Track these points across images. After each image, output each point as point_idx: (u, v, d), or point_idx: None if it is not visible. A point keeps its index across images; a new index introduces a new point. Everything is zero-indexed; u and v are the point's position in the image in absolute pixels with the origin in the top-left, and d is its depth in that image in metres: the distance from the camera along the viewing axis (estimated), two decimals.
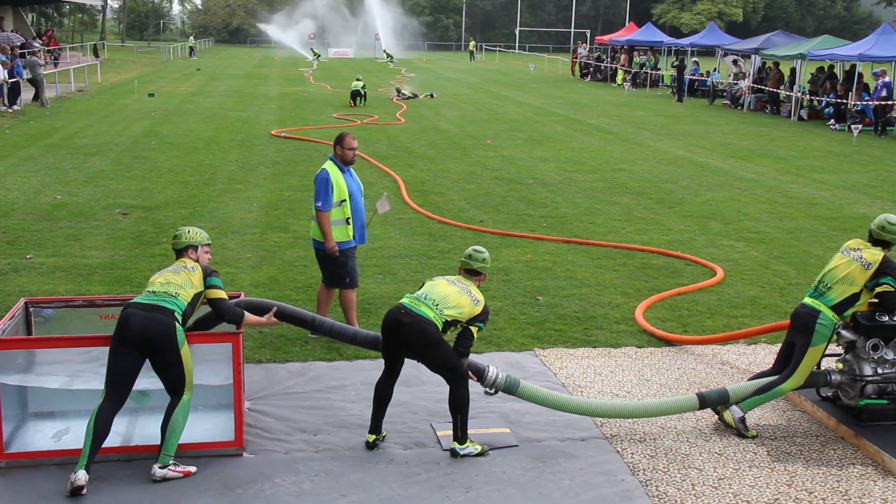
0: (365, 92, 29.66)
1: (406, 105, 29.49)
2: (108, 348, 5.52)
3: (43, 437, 5.88)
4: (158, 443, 5.53)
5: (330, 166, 7.68)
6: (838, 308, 6.25)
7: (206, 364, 6.06)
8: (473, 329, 5.90)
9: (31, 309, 6.33)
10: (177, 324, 5.47)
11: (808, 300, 6.42)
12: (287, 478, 5.57)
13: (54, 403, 6.15)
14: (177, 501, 5.27)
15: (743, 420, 6.30)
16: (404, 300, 5.94)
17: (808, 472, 5.81)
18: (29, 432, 5.93)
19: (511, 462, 5.81)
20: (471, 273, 6.10)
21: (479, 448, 5.94)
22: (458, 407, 5.86)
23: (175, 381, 5.53)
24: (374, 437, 5.98)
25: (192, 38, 71.04)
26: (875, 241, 6.40)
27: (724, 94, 34.18)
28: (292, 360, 7.36)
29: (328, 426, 6.27)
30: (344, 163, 7.74)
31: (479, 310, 5.89)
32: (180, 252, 5.95)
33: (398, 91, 32.93)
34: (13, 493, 5.31)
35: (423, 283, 6.12)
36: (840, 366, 6.56)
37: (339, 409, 6.53)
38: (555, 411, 6.54)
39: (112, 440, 5.76)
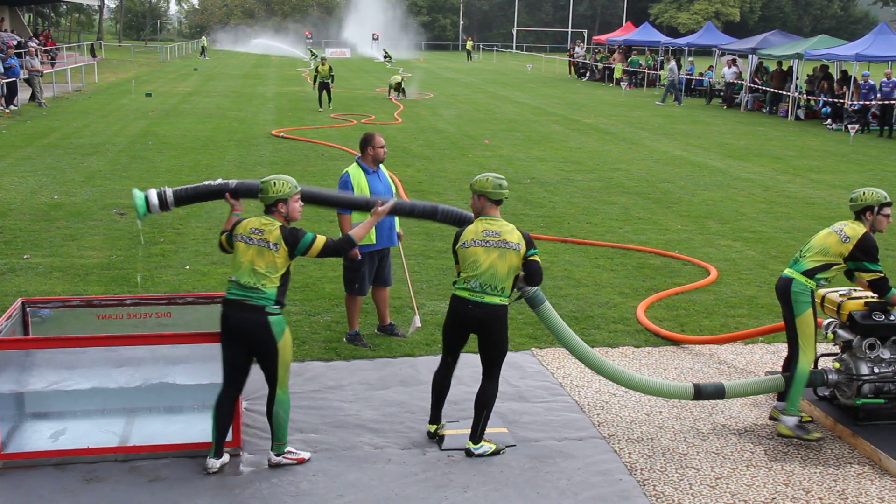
0: (402, 87, 31.77)
1: (403, 105, 29.49)
2: (104, 349, 5.63)
3: (40, 437, 5.87)
4: (155, 443, 5.68)
5: (353, 169, 7.60)
6: (809, 273, 6.26)
7: (204, 364, 6.06)
8: (533, 258, 5.80)
9: (28, 309, 6.32)
10: (269, 317, 5.47)
11: (785, 271, 6.48)
12: (285, 477, 5.56)
13: (51, 404, 6.13)
14: (175, 501, 5.26)
15: (800, 425, 6.23)
16: (462, 293, 5.79)
17: (805, 472, 5.81)
18: (26, 433, 5.92)
19: (508, 462, 5.81)
20: (498, 204, 5.92)
21: (493, 447, 5.94)
22: (486, 403, 5.87)
23: (273, 373, 5.59)
24: (434, 427, 6.10)
25: (204, 37, 70.88)
26: (857, 216, 6.42)
27: (721, 93, 34.20)
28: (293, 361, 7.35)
29: (325, 426, 6.26)
30: (375, 163, 7.62)
31: (524, 245, 5.77)
32: (269, 207, 5.65)
33: (394, 88, 32.53)
34: (10, 494, 5.30)
35: (475, 263, 5.74)
36: (837, 365, 6.56)
37: (337, 409, 6.52)
38: (553, 412, 6.56)
39: (109, 440, 5.79)
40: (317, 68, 28.15)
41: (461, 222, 6.30)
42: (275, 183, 5.61)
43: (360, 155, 7.71)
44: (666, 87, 35.06)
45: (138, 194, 5.83)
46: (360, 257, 7.36)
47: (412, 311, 8.05)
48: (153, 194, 5.83)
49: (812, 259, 6.33)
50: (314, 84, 28.22)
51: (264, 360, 5.56)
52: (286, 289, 5.65)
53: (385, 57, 57.91)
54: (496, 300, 5.72)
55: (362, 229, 5.86)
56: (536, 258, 5.80)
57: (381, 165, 7.77)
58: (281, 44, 74.06)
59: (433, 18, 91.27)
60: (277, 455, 5.70)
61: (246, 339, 5.49)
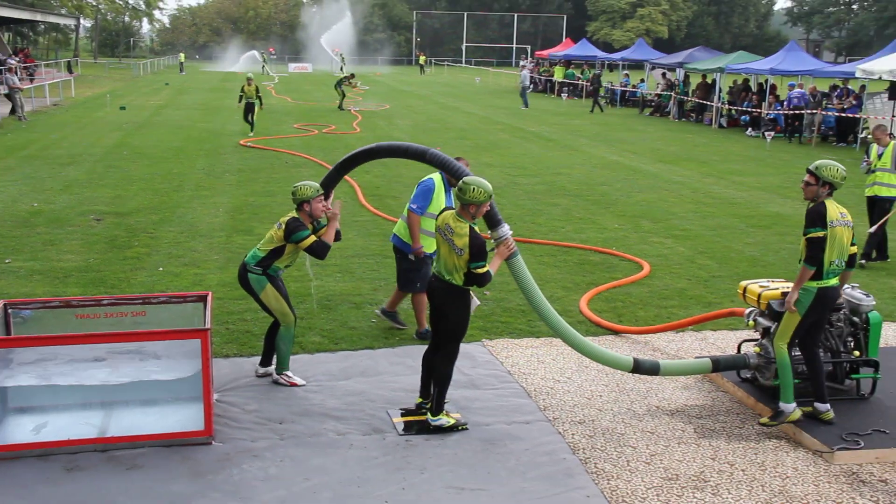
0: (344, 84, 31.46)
1: (361, 116, 29.36)
2: (83, 346, 5.71)
3: (23, 430, 5.76)
4: (132, 434, 5.67)
5: (438, 178, 7.42)
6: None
7: (176, 359, 6.01)
8: (474, 271, 5.68)
9: (9, 310, 6.20)
10: (250, 274, 6.36)
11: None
12: (254, 464, 5.51)
13: (33, 399, 6.03)
14: (150, 488, 5.19)
15: (780, 415, 6.09)
16: (434, 270, 5.98)
17: (729, 447, 5.91)
18: (9, 427, 5.81)
19: (462, 445, 5.82)
20: (464, 206, 5.70)
21: (451, 420, 5.94)
22: (442, 380, 5.89)
23: (269, 313, 6.50)
24: (421, 399, 6.19)
25: (182, 54, 69.66)
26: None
27: (653, 103, 34.65)
28: (257, 354, 7.27)
29: (292, 415, 6.21)
30: (452, 183, 7.22)
31: (467, 254, 5.65)
32: (298, 207, 6.37)
33: (345, 82, 32.52)
34: None
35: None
36: (758, 350, 6.67)
37: (302, 399, 6.48)
38: (503, 398, 6.58)
39: (88, 432, 5.72)
40: (242, 87, 23.59)
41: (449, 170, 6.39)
42: (301, 188, 6.36)
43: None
44: (520, 93, 36.04)
45: None
46: (424, 254, 7.44)
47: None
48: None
49: None
50: (238, 102, 23.94)
51: (257, 304, 6.52)
52: (275, 258, 6.37)
53: (342, 69, 57.19)
54: (456, 280, 5.76)
55: (330, 234, 6.43)
56: (478, 271, 5.66)
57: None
58: (249, 59, 73.21)
59: (388, 35, 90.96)
60: (278, 374, 6.64)
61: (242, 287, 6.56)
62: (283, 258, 6.41)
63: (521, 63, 53.57)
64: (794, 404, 6.06)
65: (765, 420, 6.15)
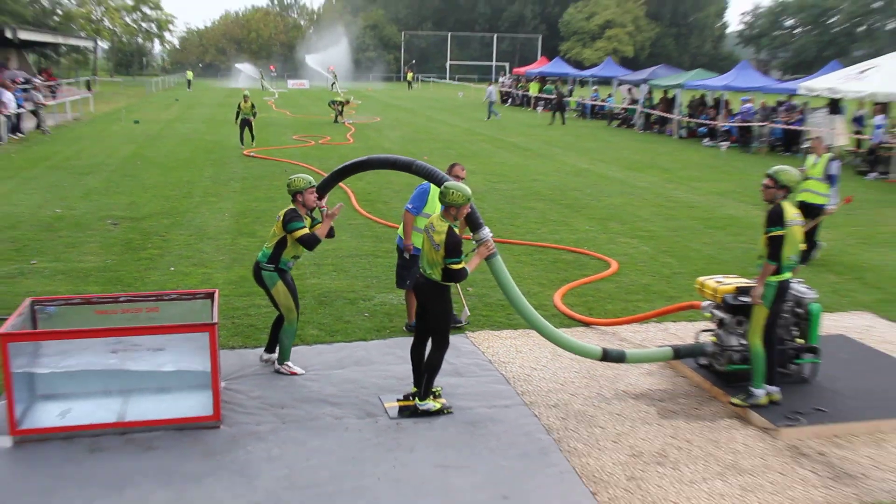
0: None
1: (354, 128, 29.31)
2: (102, 339, 5.75)
3: (50, 415, 5.78)
4: (148, 419, 5.72)
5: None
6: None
7: (187, 351, 6.02)
8: (449, 266, 5.67)
9: (36, 307, 6.23)
10: (263, 271, 6.46)
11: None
12: (259, 445, 5.54)
13: (58, 387, 6.05)
14: (165, 467, 5.23)
15: (751, 397, 6.17)
16: (421, 268, 5.97)
17: (688, 426, 5.99)
18: (38, 412, 5.83)
19: (447, 427, 5.87)
20: (445, 208, 5.71)
21: (437, 405, 5.97)
22: (432, 367, 5.91)
23: (277, 308, 6.58)
24: (415, 389, 6.17)
25: (190, 72, 69.07)
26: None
27: (620, 116, 34.79)
28: (260, 346, 7.31)
29: (293, 401, 6.24)
30: None
31: (443, 250, 5.67)
32: (293, 197, 6.43)
33: (336, 103, 32.34)
34: (25, 464, 5.26)
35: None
36: (713, 339, 6.76)
37: (302, 387, 6.51)
38: (484, 384, 6.62)
39: (109, 417, 5.76)
40: (239, 104, 22.81)
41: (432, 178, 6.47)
42: (294, 180, 6.44)
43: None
44: (487, 107, 36.22)
45: None
46: (412, 250, 7.49)
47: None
48: None
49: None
50: (236, 120, 23.09)
51: (269, 299, 6.56)
52: (282, 251, 6.41)
53: (332, 84, 56.40)
54: (435, 276, 5.78)
55: (322, 230, 6.46)
56: (453, 266, 5.66)
57: None
58: (251, 76, 72.79)
59: (379, 54, 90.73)
60: (279, 364, 6.69)
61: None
62: (289, 249, 6.44)
63: (501, 80, 53.55)
64: (763, 390, 6.15)
65: (736, 400, 6.20)
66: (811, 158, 10.88)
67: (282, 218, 6.38)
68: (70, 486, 5.01)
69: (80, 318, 6.26)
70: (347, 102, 32.91)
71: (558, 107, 34.49)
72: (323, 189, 6.89)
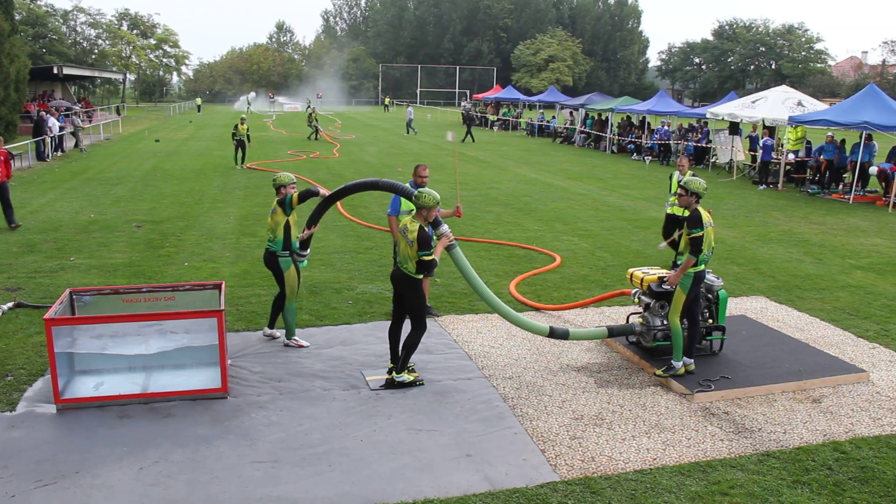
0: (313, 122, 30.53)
1: (339, 144, 29.03)
2: (129, 324, 5.75)
3: (86, 387, 5.75)
4: (167, 391, 5.67)
5: (406, 187, 7.33)
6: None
7: (199, 333, 5.94)
8: (421, 258, 5.62)
9: (74, 297, 6.16)
10: (280, 258, 6.48)
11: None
12: (259, 413, 5.47)
13: (93, 363, 6.00)
14: (181, 431, 5.18)
15: (671, 369, 6.17)
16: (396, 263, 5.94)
17: (620, 393, 6.04)
18: (76, 384, 5.80)
19: (419, 397, 5.85)
20: (418, 209, 5.69)
21: (410, 378, 5.93)
22: (409, 346, 5.85)
23: (282, 288, 6.59)
24: (391, 365, 6.08)
25: (199, 98, 67.99)
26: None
27: (562, 134, 34.99)
28: (261, 329, 7.20)
29: (289, 375, 6.17)
30: (416, 185, 7.09)
31: (417, 245, 5.62)
32: (277, 190, 6.54)
33: (312, 118, 31.97)
34: (67, 427, 5.24)
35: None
36: (641, 320, 6.82)
37: (296, 363, 6.43)
38: (450, 360, 6.60)
39: (134, 389, 5.71)
40: (236, 126, 21.19)
41: (397, 191, 6.31)
42: (279, 177, 6.58)
43: (411, 178, 7.28)
44: (406, 123, 36.21)
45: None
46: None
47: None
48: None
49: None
50: (233, 139, 21.36)
51: (278, 280, 6.57)
52: (290, 233, 6.46)
53: (308, 105, 54.62)
54: (410, 269, 5.73)
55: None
56: (425, 258, 5.64)
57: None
58: (252, 101, 71.64)
59: (360, 83, 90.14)
60: (288, 339, 6.73)
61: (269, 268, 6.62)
62: (293, 229, 6.53)
63: (463, 104, 53.33)
64: (681, 362, 6.20)
65: (659, 372, 6.24)
66: (676, 175, 10.14)
67: (278, 204, 6.46)
68: (103, 445, 4.97)
69: (111, 305, 6.22)
70: (313, 111, 32.39)
71: (469, 124, 33.84)
72: (312, 221, 6.74)
